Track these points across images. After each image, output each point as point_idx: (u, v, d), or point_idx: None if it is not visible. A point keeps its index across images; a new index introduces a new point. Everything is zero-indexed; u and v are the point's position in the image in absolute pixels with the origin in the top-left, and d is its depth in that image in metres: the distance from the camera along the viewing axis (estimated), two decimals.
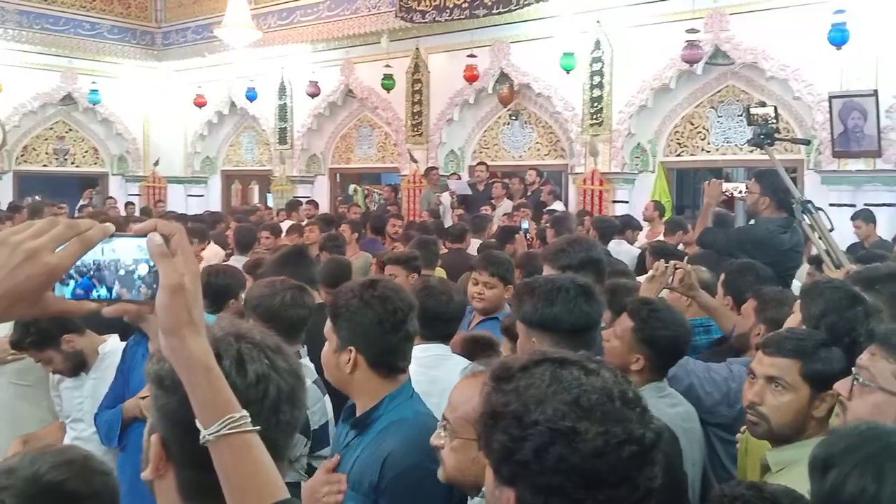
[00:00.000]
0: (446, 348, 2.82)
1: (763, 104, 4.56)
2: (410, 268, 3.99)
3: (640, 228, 8.20)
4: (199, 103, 13.68)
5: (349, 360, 2.01)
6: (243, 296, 3.10)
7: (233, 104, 13.96)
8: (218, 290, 3.31)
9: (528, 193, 10.39)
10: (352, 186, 13.32)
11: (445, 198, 10.53)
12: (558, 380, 1.03)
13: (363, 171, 13.43)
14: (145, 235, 1.09)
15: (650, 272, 3.29)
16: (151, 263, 1.09)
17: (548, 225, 6.70)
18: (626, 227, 7.56)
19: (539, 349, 1.11)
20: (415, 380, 2.11)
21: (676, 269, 3.24)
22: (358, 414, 2.03)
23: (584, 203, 10.10)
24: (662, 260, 3.29)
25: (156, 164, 13.97)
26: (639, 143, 10.13)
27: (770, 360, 2.05)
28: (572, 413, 1.00)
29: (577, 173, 10.33)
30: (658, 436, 1.06)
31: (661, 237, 7.26)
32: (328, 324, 2.07)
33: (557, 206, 9.80)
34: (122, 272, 1.09)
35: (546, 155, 11.11)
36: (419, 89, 11.62)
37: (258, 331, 1.23)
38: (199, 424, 1.11)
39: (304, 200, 11.29)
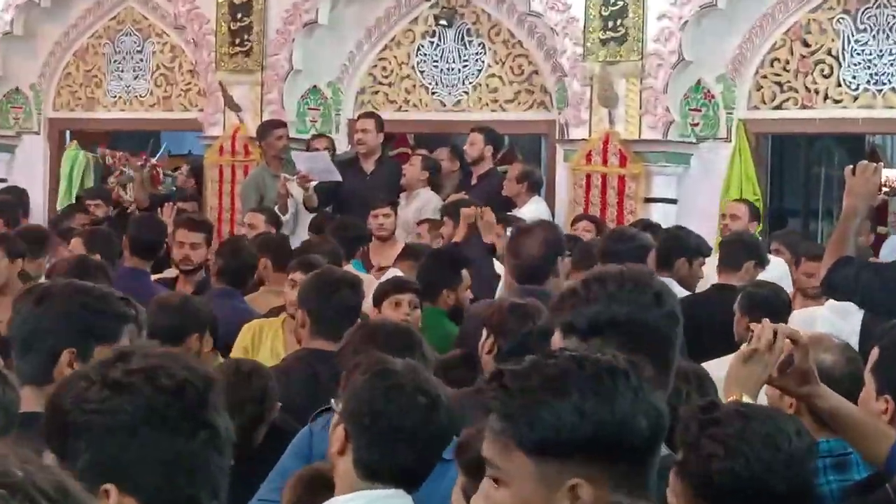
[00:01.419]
0: (408, 500, 3.05)
1: None
2: None
3: (708, 253, 8.44)
4: None
5: None
6: None
7: None
8: None
9: (474, 180, 10.64)
10: (72, 146, 13.21)
11: (296, 189, 10.68)
12: None
13: (124, 127, 13.51)
14: None
15: (743, 346, 3.44)
16: None
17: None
18: (689, 251, 7.73)
19: None
20: None
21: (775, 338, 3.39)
22: None
23: (588, 201, 10.41)
24: (766, 320, 3.42)
25: None
26: (699, 83, 10.50)
27: None
28: None
29: (572, 141, 10.62)
30: None
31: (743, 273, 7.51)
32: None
33: (533, 207, 10.06)
34: None
35: (510, 102, 11.37)
36: None
37: (17, 458, 1.30)
38: None
39: None
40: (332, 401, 3.23)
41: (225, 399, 4.35)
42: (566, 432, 2.16)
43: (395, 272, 7.75)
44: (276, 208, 10.50)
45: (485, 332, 4.86)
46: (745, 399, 3.21)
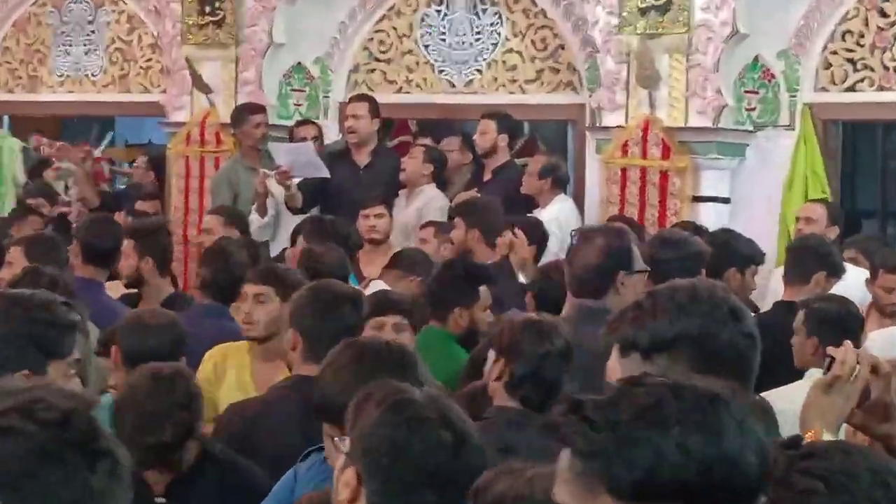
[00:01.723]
0: None
1: None
2: None
3: (762, 261, 8.60)
4: None
5: None
6: None
7: None
8: None
9: (487, 175, 10.70)
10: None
11: (277, 187, 10.72)
12: None
13: (72, 111, 13.65)
14: None
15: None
16: None
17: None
18: (740, 259, 7.85)
19: None
20: None
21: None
22: None
23: (623, 200, 10.45)
24: (848, 343, 3.48)
25: None
26: (757, 60, 10.52)
27: None
28: None
29: (605, 128, 10.66)
30: None
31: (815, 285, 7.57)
32: None
33: (557, 206, 10.14)
34: None
35: (531, 83, 11.41)
36: None
37: None
38: None
39: None
40: (335, 439, 3.21)
41: (148, 410, 4.48)
42: (667, 472, 2.19)
43: (379, 285, 7.78)
44: (253, 209, 10.59)
45: (492, 354, 4.92)
46: (826, 435, 3.25)
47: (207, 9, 11.81)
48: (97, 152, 12.80)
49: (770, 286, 8.92)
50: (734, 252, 7.98)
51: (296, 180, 10.53)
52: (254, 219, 10.59)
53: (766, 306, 8.29)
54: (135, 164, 13.42)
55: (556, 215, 9.83)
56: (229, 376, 6.44)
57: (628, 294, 5.84)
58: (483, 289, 6.98)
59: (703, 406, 2.25)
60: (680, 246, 6.89)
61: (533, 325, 4.97)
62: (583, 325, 5.13)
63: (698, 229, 8.58)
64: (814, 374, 5.00)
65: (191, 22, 11.87)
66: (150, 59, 12.71)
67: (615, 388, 2.35)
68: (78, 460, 2.09)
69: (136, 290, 7.91)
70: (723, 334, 3.17)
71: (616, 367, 3.13)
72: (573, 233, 6.63)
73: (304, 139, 10.97)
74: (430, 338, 6.69)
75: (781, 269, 8.59)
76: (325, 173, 10.58)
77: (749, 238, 8.50)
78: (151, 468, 4.66)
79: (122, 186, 13.80)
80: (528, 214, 9.57)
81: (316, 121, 11.60)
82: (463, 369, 6.23)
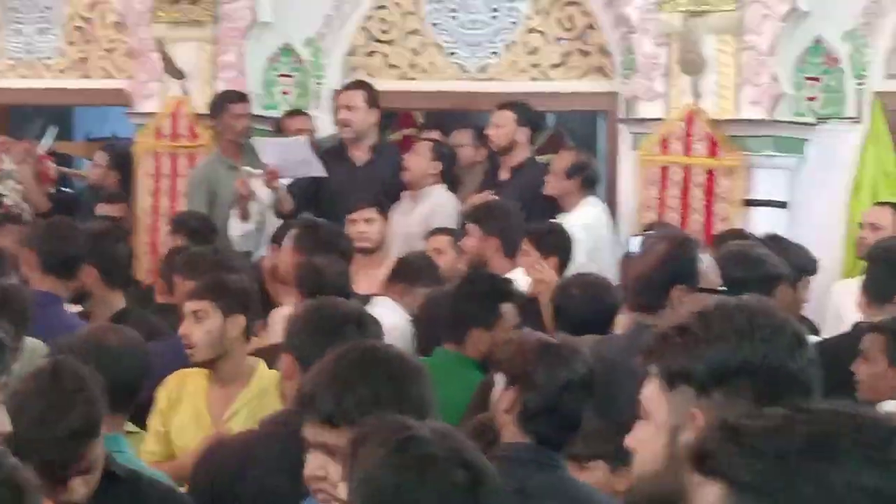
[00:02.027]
0: None
1: None
2: None
3: (815, 271, 8.68)
4: None
5: None
6: None
7: None
8: None
9: (505, 174, 10.64)
10: None
11: (262, 189, 10.72)
12: None
13: (25, 100, 13.60)
14: None
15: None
16: None
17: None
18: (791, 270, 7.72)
19: None
20: None
21: None
22: None
23: (663, 203, 10.40)
24: None
25: None
26: (819, 42, 10.44)
27: None
28: None
29: (642, 121, 10.63)
30: None
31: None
32: None
33: (586, 210, 10.07)
34: None
35: (556, 68, 11.36)
36: None
37: None
38: None
39: None
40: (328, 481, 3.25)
41: (37, 410, 4.35)
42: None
43: (385, 303, 7.82)
44: (234, 213, 10.61)
45: (501, 381, 4.87)
46: None
47: None
48: (41, 149, 12.73)
49: (832, 301, 8.96)
50: (800, 264, 8.07)
51: (284, 181, 10.55)
52: (234, 224, 10.63)
53: (828, 323, 8.38)
54: (93, 162, 13.34)
55: (585, 221, 9.78)
56: (184, 405, 6.49)
57: None
58: (507, 306, 6.91)
59: (881, 438, 2.25)
60: (755, 265, 6.89)
61: (549, 349, 4.90)
62: (638, 343, 5.06)
63: (746, 238, 8.56)
64: (887, 406, 5.05)
65: None
66: (114, 41, 12.65)
67: (778, 414, 2.35)
68: (9, 498, 2.19)
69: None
70: (791, 363, 3.13)
71: (658, 402, 3.11)
72: (631, 237, 6.70)
73: (299, 131, 11.02)
74: (443, 362, 6.69)
75: (846, 283, 8.71)
76: (322, 172, 10.60)
77: (799, 245, 8.60)
78: (54, 480, 4.41)
79: (69, 190, 13.75)
80: (552, 220, 9.47)
81: (307, 111, 11.60)
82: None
